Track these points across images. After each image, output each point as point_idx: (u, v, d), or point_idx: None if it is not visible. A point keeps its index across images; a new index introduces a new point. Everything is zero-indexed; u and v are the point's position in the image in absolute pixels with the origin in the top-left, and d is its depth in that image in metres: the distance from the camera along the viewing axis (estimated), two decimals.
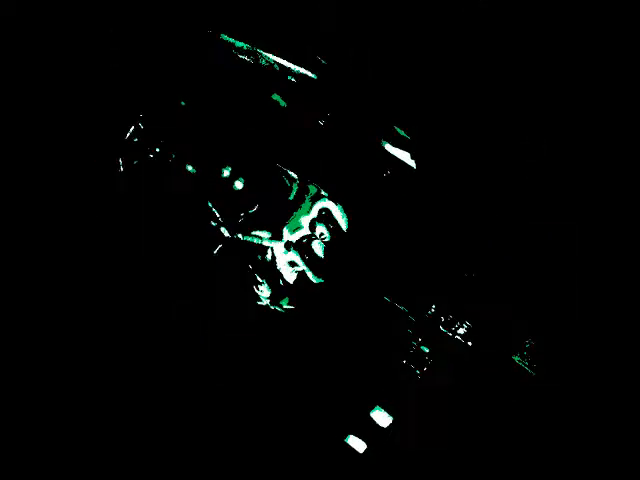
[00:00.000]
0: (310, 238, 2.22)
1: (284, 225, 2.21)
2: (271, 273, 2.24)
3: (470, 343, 2.30)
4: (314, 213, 2.21)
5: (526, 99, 1.98)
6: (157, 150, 1.87)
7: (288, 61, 2.01)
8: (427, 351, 2.36)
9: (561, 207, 2.05)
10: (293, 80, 1.99)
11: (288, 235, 2.21)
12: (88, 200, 2.01)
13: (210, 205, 2.03)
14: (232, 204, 2.10)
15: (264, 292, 2.24)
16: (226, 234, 2.14)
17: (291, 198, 2.19)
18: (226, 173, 2.00)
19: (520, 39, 1.92)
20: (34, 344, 2.07)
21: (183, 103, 1.98)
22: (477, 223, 2.19)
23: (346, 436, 2.25)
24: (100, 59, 1.84)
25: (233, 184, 2.03)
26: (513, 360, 2.20)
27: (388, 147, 2.16)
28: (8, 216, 2.00)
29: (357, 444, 2.24)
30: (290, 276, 2.26)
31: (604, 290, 2.04)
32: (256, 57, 1.98)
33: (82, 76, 1.89)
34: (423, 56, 1.99)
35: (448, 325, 2.33)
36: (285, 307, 2.27)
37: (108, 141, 1.86)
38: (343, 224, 2.22)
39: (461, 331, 2.33)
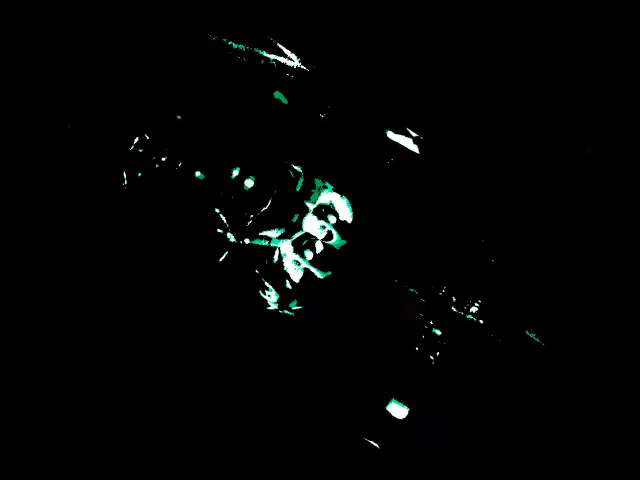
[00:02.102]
0: (317, 232, 2.21)
1: (291, 221, 2.19)
2: (278, 276, 2.23)
3: (482, 321, 2.34)
4: (320, 205, 2.19)
5: (526, 99, 2.00)
6: (163, 159, 1.81)
7: (285, 58, 1.97)
8: (439, 334, 2.38)
9: (561, 200, 2.09)
10: (292, 76, 1.96)
11: (296, 231, 2.20)
12: (93, 213, 1.95)
13: (217, 211, 1.98)
14: (239, 207, 2.07)
15: (272, 297, 2.22)
16: (232, 240, 2.11)
17: (297, 192, 2.17)
18: (235, 173, 1.96)
19: (521, 33, 1.92)
20: (45, 346, 2.02)
21: (184, 110, 1.92)
22: (485, 204, 2.22)
23: (364, 431, 2.26)
24: (100, 59, 1.77)
25: (243, 184, 1.99)
26: (528, 336, 2.24)
27: (390, 135, 2.15)
28: (11, 229, 1.93)
29: (375, 437, 2.26)
30: (297, 274, 2.25)
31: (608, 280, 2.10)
32: (254, 57, 1.94)
33: (82, 79, 1.82)
34: (424, 47, 1.98)
35: (459, 305, 2.36)
36: (294, 309, 2.26)
37: (110, 153, 1.79)
38: (349, 215, 2.22)
39: (473, 310, 2.36)
